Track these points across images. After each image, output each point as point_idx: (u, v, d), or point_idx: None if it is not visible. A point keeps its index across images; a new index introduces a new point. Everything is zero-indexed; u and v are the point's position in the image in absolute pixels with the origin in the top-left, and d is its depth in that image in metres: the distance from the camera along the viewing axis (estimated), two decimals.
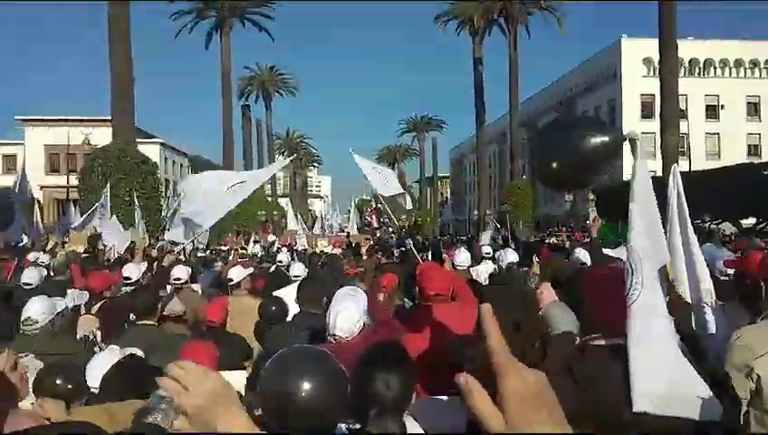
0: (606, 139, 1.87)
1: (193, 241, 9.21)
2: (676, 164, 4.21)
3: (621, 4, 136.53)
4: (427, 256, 10.11)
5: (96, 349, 4.04)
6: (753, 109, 45.95)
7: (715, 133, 44.98)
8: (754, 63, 46.10)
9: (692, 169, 28.30)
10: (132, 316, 4.54)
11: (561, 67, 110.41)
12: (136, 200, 16.38)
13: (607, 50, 46.91)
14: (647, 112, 42.71)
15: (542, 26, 41.63)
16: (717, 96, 45.14)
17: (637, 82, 43.58)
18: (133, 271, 6.58)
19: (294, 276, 6.44)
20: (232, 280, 5.86)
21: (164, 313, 4.54)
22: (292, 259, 9.80)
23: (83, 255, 10.58)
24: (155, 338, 4.01)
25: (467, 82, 42.37)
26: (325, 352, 1.71)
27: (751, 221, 22.93)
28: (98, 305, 5.25)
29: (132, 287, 5.90)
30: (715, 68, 45.91)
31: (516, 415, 0.63)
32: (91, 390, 2.67)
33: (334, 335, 2.72)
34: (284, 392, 1.55)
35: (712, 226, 17.57)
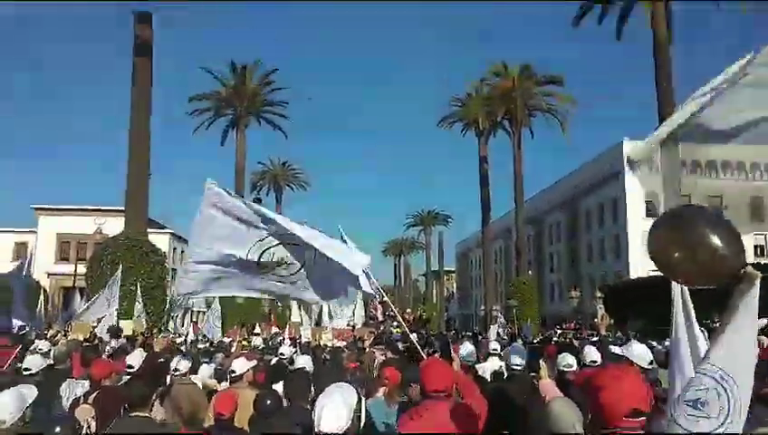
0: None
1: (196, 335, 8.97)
2: None
3: (622, 106, 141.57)
4: (432, 352, 9.93)
5: None
6: (758, 212, 46.34)
7: None
8: (756, 166, 47.01)
9: None
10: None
11: (565, 166, 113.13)
12: (139, 290, 16.42)
13: (609, 151, 48.23)
14: (650, 211, 43.19)
15: (546, 127, 43.07)
16: (720, 197, 45.68)
17: (640, 182, 44.39)
18: (136, 360, 6.50)
19: (298, 369, 6.33)
20: (234, 371, 5.77)
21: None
22: (296, 352, 9.66)
23: (85, 344, 10.49)
24: (145, 430, 3.91)
25: (474, 179, 43.34)
26: None
27: (763, 322, 22.53)
28: (94, 395, 5.16)
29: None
30: (716, 169, 46.80)
31: None
32: None
33: (319, 432, 2.61)
34: None
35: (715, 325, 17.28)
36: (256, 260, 5.73)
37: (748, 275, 1.87)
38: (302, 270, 5.81)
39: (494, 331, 14.82)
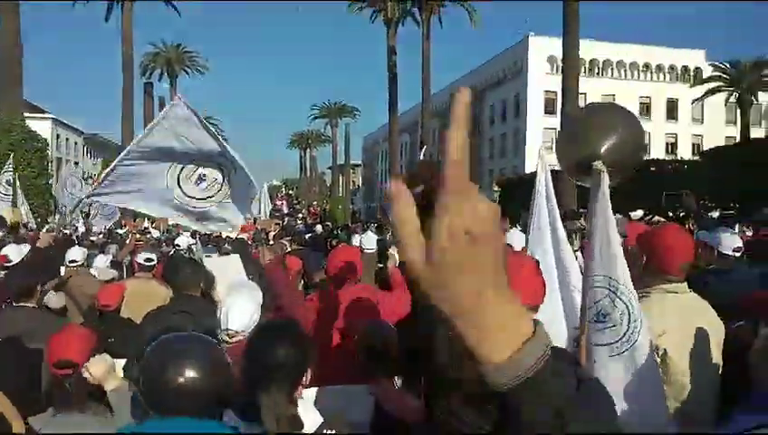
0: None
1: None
2: (543, 150, 3.91)
3: (529, 3, 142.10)
4: (337, 243, 10.06)
5: None
6: (646, 109, 49.47)
7: None
8: (647, 66, 49.58)
9: None
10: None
11: (472, 61, 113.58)
12: (16, 178, 15.07)
13: (515, 46, 48.72)
14: (549, 109, 44.84)
15: (455, 19, 42.45)
16: (614, 96, 48.21)
17: (541, 79, 45.61)
18: (14, 252, 6.03)
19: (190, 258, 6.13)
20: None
21: (45, 303, 4.19)
22: (196, 243, 9.39)
23: None
24: (33, 322, 3.67)
25: (381, 70, 42.54)
26: (207, 338, 1.62)
27: (638, 213, 24.72)
28: None
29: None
30: (612, 69, 48.92)
31: (447, 249, 0.50)
32: None
33: (227, 330, 2.57)
34: (166, 379, 1.46)
35: None
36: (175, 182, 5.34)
37: (595, 170, 1.90)
38: (224, 187, 5.49)
39: None
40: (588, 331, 1.93)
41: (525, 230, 4.13)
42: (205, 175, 5.41)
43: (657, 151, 45.25)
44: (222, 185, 5.47)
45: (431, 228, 0.51)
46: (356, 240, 8.39)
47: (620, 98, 48.06)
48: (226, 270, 4.77)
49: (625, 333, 1.86)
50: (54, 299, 4.38)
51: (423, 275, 0.52)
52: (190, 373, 1.44)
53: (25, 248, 6.55)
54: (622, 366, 1.86)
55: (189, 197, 5.45)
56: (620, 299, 1.88)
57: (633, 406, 1.84)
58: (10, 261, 5.85)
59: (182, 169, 5.33)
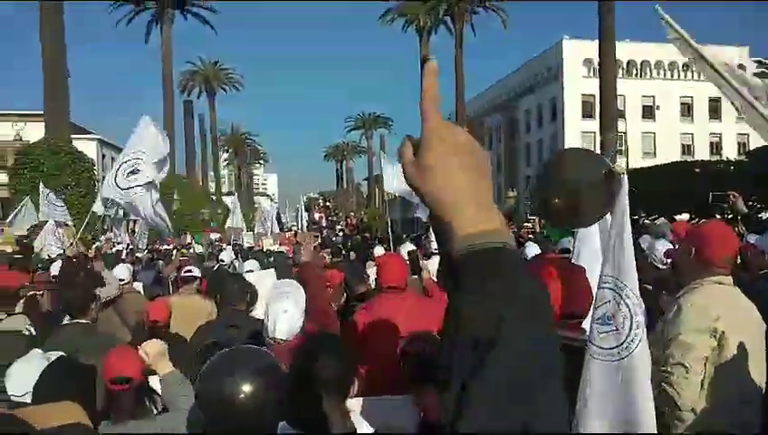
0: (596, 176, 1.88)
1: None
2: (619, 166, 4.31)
3: (563, 6, 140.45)
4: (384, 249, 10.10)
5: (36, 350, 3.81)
6: (687, 109, 48.17)
7: (650, 133, 46.88)
8: (686, 66, 48.33)
9: (629, 167, 29.43)
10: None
11: (505, 67, 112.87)
12: (65, 198, 15.63)
13: (549, 51, 48.16)
14: (587, 112, 44.09)
15: (488, 25, 42.30)
16: (653, 97, 47.07)
17: (578, 83, 44.92)
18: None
19: (235, 274, 6.28)
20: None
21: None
22: (238, 257, 9.57)
23: (15, 256, 10.00)
24: (88, 338, 3.81)
25: (416, 79, 42.63)
26: (263, 350, 1.65)
27: (684, 217, 24.04)
28: (21, 303, 4.95)
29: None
30: (650, 69, 47.86)
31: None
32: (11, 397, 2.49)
33: (273, 338, 2.60)
34: (224, 395, 1.49)
35: (646, 221, 18.31)
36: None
37: (613, 173, 1.88)
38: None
39: None
40: (592, 331, 1.90)
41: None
42: (139, 170, 6.60)
43: (701, 152, 43.97)
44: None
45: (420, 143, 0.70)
46: (378, 250, 8.41)
47: (660, 99, 46.98)
48: (264, 285, 4.87)
49: (625, 340, 1.83)
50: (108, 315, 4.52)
51: (412, 175, 0.70)
52: (249, 388, 1.47)
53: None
54: (616, 373, 1.83)
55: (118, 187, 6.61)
56: (625, 303, 1.85)
57: (619, 414, 1.83)
58: (57, 277, 6.05)
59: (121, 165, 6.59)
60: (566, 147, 44.87)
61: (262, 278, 5.59)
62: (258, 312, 3.94)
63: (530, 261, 3.35)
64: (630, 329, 1.81)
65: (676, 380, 2.49)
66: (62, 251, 9.69)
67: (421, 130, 0.70)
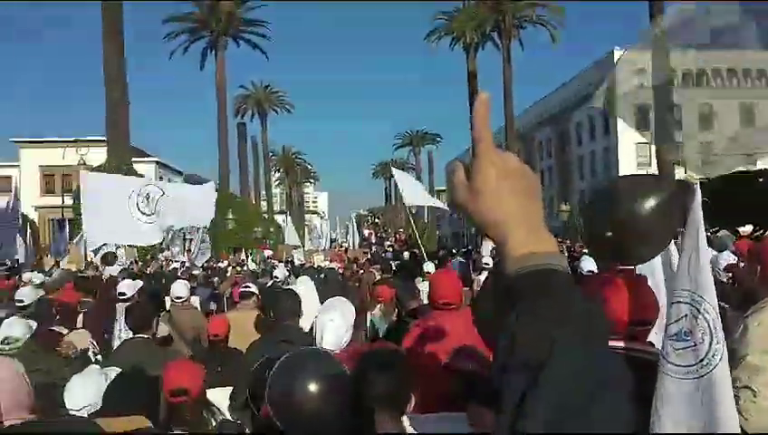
0: (656, 199, 1.73)
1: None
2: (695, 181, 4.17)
3: (613, 16, 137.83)
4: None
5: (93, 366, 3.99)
6: (747, 117, 46.26)
7: (709, 141, 45.15)
8: (746, 72, 46.48)
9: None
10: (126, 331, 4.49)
11: (555, 79, 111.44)
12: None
13: (600, 61, 47.25)
14: (641, 123, 42.91)
15: (536, 38, 41.95)
16: (710, 105, 45.35)
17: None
18: (128, 287, 6.50)
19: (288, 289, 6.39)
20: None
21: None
22: (290, 274, 9.74)
23: (78, 274, 10.49)
24: (148, 354, 3.94)
25: (463, 96, 42.63)
26: (327, 352, 1.69)
27: (748, 228, 22.94)
28: (80, 318, 5.19)
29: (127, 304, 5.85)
30: (707, 77, 46.24)
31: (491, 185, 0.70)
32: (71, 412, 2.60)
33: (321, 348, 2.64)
34: (293, 395, 1.56)
35: (708, 233, 17.61)
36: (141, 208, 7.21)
37: (686, 183, 1.80)
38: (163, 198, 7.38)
39: (486, 246, 14.95)
40: (666, 347, 1.82)
41: None
42: (148, 193, 7.33)
43: (764, 161, 42.02)
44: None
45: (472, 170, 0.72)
46: (428, 266, 8.35)
47: (718, 106, 45.19)
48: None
49: (705, 356, 1.73)
50: (162, 330, 4.68)
51: (464, 198, 0.72)
52: (317, 389, 1.51)
53: (138, 284, 7.06)
54: (696, 390, 1.74)
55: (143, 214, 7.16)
56: (704, 318, 1.76)
57: (700, 430, 1.73)
58: (124, 294, 6.31)
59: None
60: (620, 158, 43.82)
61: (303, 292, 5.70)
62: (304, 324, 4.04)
63: (592, 277, 3.28)
64: (711, 344, 1.74)
65: (743, 405, 2.36)
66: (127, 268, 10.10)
67: (473, 155, 0.73)
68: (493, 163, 0.71)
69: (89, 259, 11.19)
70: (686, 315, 1.79)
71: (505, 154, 0.73)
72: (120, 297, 6.24)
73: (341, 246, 25.58)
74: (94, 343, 4.56)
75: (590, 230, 1.92)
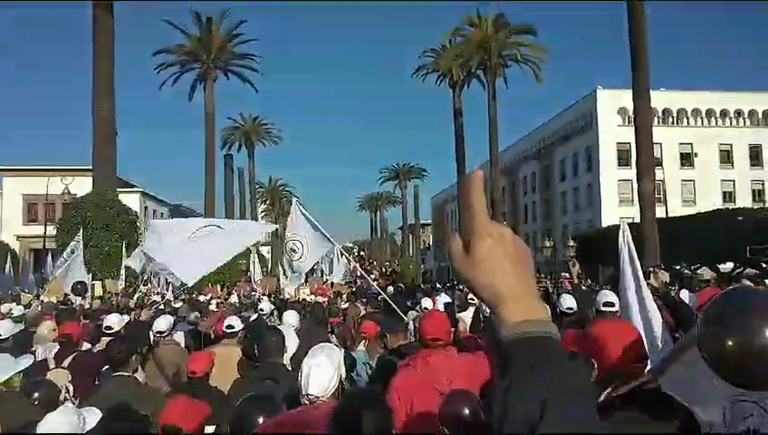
0: None
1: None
2: (623, 219, 4.63)
3: (596, 56, 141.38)
4: (413, 303, 10.08)
5: (68, 404, 3.88)
6: (726, 156, 47.29)
7: (690, 180, 46.06)
8: (724, 112, 47.73)
9: (668, 216, 28.82)
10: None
11: (539, 115, 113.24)
12: (124, 251, 16.15)
13: (583, 100, 48.29)
14: (623, 160, 43.68)
15: (521, 77, 42.75)
16: (691, 144, 46.43)
17: (613, 131, 44.74)
18: (115, 321, 6.37)
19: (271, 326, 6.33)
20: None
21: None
22: (276, 307, 9.68)
23: (61, 306, 10.33)
24: (135, 390, 3.88)
25: (448, 131, 43.20)
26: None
27: (729, 266, 23.22)
28: (71, 357, 5.09)
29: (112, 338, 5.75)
30: (687, 117, 47.41)
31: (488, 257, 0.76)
32: None
33: (308, 395, 2.56)
34: None
35: (687, 271, 17.69)
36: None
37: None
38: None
39: None
40: None
41: (609, 284, 5.16)
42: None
43: (742, 200, 42.84)
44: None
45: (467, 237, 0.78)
46: (426, 302, 8.34)
47: (699, 146, 46.30)
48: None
49: None
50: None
51: (463, 267, 0.78)
52: None
53: (126, 318, 6.96)
54: None
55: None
56: None
57: None
58: (110, 328, 6.19)
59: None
60: (602, 194, 44.27)
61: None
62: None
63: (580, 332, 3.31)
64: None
65: None
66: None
67: (470, 227, 0.78)
68: (490, 235, 0.77)
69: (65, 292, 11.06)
70: (752, 414, 1.75)
71: (501, 226, 0.79)
72: (107, 331, 6.13)
73: (325, 282, 25.37)
74: (70, 388, 4.41)
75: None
